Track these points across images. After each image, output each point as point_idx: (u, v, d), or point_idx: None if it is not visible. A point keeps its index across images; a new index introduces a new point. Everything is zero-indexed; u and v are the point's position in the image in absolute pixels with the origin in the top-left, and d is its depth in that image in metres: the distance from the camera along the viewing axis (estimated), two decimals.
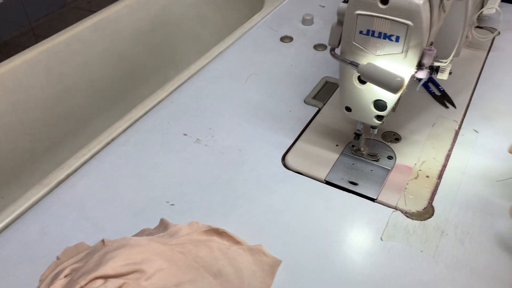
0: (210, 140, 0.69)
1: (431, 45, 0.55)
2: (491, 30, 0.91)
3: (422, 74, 0.52)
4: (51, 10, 2.05)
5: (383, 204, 0.59)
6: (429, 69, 0.54)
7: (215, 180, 0.63)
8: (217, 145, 0.68)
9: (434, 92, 0.76)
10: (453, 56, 0.51)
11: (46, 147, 0.99)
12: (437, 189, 0.60)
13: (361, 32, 0.52)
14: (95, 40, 1.08)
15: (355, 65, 0.53)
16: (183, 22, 1.28)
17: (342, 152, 0.67)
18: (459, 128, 0.69)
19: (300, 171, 0.64)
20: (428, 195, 0.60)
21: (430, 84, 0.78)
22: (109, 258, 0.43)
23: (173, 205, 0.60)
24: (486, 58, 0.85)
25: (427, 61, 0.51)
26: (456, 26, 0.82)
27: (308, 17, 0.97)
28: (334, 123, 0.71)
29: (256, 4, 1.14)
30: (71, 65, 1.03)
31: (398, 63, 0.51)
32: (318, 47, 0.90)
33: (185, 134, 0.70)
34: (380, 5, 0.49)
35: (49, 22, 2.00)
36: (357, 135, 0.64)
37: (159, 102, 0.78)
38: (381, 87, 0.51)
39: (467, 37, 0.85)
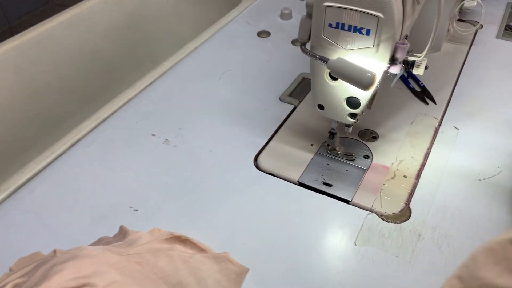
0: (179, 141, 0.66)
1: (406, 38, 0.52)
2: (474, 23, 0.88)
3: (396, 69, 0.49)
4: (33, 7, 2.00)
5: (358, 206, 0.56)
6: (404, 64, 0.51)
7: (183, 183, 0.60)
8: (186, 146, 0.65)
9: (414, 88, 0.73)
10: (428, 50, 0.49)
11: (15, 149, 0.95)
12: (414, 190, 0.57)
13: (330, 25, 0.49)
14: (68, 37, 1.03)
15: (324, 60, 0.50)
16: (160, 18, 1.24)
17: (317, 152, 0.64)
18: (439, 125, 0.67)
19: (272, 173, 0.61)
20: (405, 196, 0.57)
21: (410, 80, 0.75)
22: (55, 272, 0.39)
23: (137, 210, 0.56)
24: (468, 52, 0.82)
25: (400, 56, 0.48)
26: (440, 20, 0.79)
27: (286, 11, 0.93)
28: (310, 121, 0.68)
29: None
30: (42, 64, 0.99)
31: (370, 57, 0.49)
32: (296, 42, 0.87)
33: (153, 135, 0.67)
34: None
35: (31, 20, 1.94)
36: (332, 134, 0.61)
37: (129, 101, 0.75)
38: (352, 84, 0.48)
39: (448, 30, 0.83)
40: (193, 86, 0.77)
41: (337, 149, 0.62)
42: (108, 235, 0.52)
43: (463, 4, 0.80)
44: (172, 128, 0.68)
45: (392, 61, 0.49)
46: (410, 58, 0.50)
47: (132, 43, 1.19)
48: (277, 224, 0.54)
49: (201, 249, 0.50)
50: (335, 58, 0.49)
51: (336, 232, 0.53)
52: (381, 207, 0.55)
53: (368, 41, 0.47)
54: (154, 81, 0.79)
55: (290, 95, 0.74)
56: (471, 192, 0.57)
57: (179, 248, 0.49)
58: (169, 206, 0.57)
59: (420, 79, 0.74)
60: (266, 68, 0.81)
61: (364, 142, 0.65)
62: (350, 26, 0.47)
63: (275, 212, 0.56)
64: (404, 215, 0.55)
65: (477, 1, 0.79)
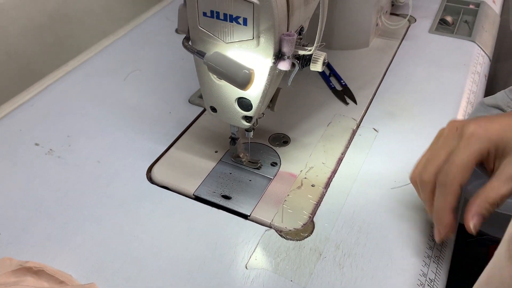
0: (65, 150, 0.58)
1: (301, 30, 0.46)
2: (406, 17, 0.83)
3: (285, 65, 0.43)
4: None
5: (256, 222, 0.49)
6: (299, 60, 0.44)
7: (59, 198, 0.52)
8: (72, 156, 0.57)
9: (335, 87, 0.67)
10: (318, 44, 0.42)
11: None
12: (321, 201, 0.51)
13: (204, 14, 0.42)
14: None
15: (201, 55, 0.43)
16: (87, 16, 1.15)
17: (220, 160, 0.57)
18: (358, 127, 0.61)
19: (166, 185, 0.54)
20: (310, 208, 0.50)
21: (332, 78, 0.69)
22: None
23: None
24: (398, 47, 0.77)
25: (287, 49, 0.42)
26: (364, 13, 0.74)
27: None
28: (218, 125, 0.61)
29: None
30: None
31: (252, 52, 0.42)
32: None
33: (36, 144, 0.59)
34: None
35: None
36: (233, 140, 0.54)
37: (19, 106, 0.66)
38: (229, 82, 0.41)
39: (377, 24, 0.77)
40: (94, 88, 0.69)
41: (241, 156, 0.56)
42: None
43: None
44: (59, 136, 0.60)
45: (280, 56, 0.42)
46: (301, 52, 0.43)
47: (55, 43, 1.10)
48: (161, 246, 0.47)
49: (60, 281, 0.42)
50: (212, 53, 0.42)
51: (227, 253, 0.46)
52: (282, 221, 0.49)
53: (247, 32, 0.41)
54: (53, 82, 0.70)
55: (201, 96, 0.67)
56: (382, 203, 0.51)
57: (31, 281, 0.41)
58: (38, 227, 0.49)
59: (342, 78, 0.68)
60: (179, 67, 0.73)
61: (273, 147, 0.58)
62: (225, 15, 0.41)
63: (161, 232, 0.48)
64: (306, 230, 0.48)
65: None
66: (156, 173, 0.55)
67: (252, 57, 0.42)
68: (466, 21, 0.84)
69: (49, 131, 0.61)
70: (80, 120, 0.63)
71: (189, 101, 0.66)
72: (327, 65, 0.70)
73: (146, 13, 0.90)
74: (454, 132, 0.42)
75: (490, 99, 0.53)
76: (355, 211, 0.50)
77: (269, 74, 0.44)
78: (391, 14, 0.85)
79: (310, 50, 0.43)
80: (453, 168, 0.40)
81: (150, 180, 0.54)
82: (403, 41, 0.78)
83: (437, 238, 0.44)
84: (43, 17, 1.07)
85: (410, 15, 0.83)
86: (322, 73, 0.69)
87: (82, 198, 0.52)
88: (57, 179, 0.54)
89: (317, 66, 0.45)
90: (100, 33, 1.19)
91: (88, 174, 0.55)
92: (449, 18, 0.83)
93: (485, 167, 0.41)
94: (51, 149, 0.58)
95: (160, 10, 0.89)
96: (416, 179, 0.44)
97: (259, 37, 0.41)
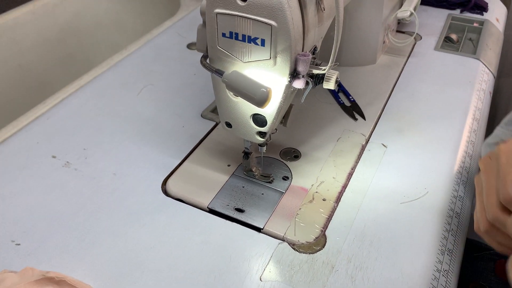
0: (82, 163, 0.59)
1: (315, 50, 0.48)
2: (412, 34, 0.85)
3: (300, 84, 0.44)
4: None
5: (269, 235, 0.50)
6: (312, 78, 0.46)
7: (76, 211, 0.53)
8: (89, 169, 0.59)
9: (343, 103, 0.69)
10: (332, 63, 0.44)
11: None
12: (333, 215, 0.52)
13: (224, 35, 0.43)
14: None
15: (220, 73, 0.44)
16: (98, 29, 1.18)
17: (233, 173, 0.58)
18: (367, 142, 0.62)
19: (181, 198, 0.55)
20: (322, 222, 0.52)
21: (340, 94, 0.70)
22: None
23: (19, 244, 0.50)
24: (404, 64, 0.79)
25: (302, 69, 0.43)
26: (372, 31, 0.76)
27: None
28: (230, 139, 0.63)
29: (174, 9, 1.06)
30: None
31: (268, 71, 0.44)
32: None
33: (53, 156, 0.60)
34: (239, 2, 0.41)
35: None
36: (246, 154, 0.56)
37: (36, 118, 0.68)
38: (246, 100, 0.43)
39: (384, 42, 0.79)
40: (108, 102, 0.70)
41: (253, 170, 0.57)
42: None
43: (396, 14, 0.76)
44: (76, 149, 0.61)
45: (295, 74, 0.44)
46: (315, 72, 0.45)
47: (66, 57, 1.12)
48: (176, 258, 0.48)
49: None
50: (230, 72, 0.44)
51: (242, 265, 0.47)
52: (295, 235, 0.50)
53: (264, 52, 0.42)
54: (68, 96, 0.72)
55: (213, 111, 0.69)
56: (393, 217, 0.52)
57: None
58: (56, 239, 0.50)
59: (350, 94, 0.70)
60: (191, 82, 0.75)
61: (285, 161, 0.60)
62: (244, 36, 0.42)
63: (177, 244, 0.50)
64: (318, 244, 0.49)
65: (411, 12, 0.76)
66: (171, 186, 0.56)
67: (269, 76, 0.44)
68: (470, 39, 0.86)
69: (65, 144, 0.62)
70: (95, 133, 0.64)
71: (201, 115, 0.68)
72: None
73: (157, 28, 0.92)
74: (491, 158, 0.42)
75: (492, 138, 0.54)
76: (366, 225, 0.51)
77: (284, 92, 0.45)
78: (397, 31, 0.87)
79: (324, 70, 0.44)
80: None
81: (165, 192, 0.56)
82: (410, 58, 0.80)
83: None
84: (54, 31, 1.09)
85: (416, 33, 0.85)
86: (330, 89, 0.71)
87: (99, 211, 0.53)
88: (74, 192, 0.56)
89: (330, 84, 0.47)
90: (110, 46, 1.22)
91: (104, 186, 0.56)
92: (454, 36, 0.85)
93: None
94: (68, 162, 0.59)
95: (171, 26, 0.91)
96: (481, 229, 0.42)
97: (276, 57, 0.42)
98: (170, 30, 0.90)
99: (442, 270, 0.47)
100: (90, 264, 0.47)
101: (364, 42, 0.75)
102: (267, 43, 0.42)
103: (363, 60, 0.77)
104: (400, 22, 0.86)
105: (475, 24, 0.88)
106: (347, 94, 0.70)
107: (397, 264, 0.47)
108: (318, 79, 0.47)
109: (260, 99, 0.41)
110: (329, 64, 0.44)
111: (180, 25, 0.91)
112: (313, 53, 0.48)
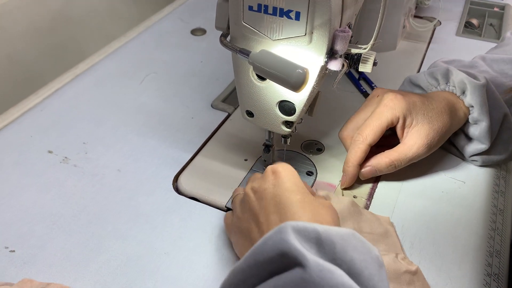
0: (81, 159, 0.53)
1: (349, 28, 0.42)
2: (431, 19, 0.80)
3: (336, 65, 0.39)
4: None
5: None
6: (348, 59, 0.41)
7: (78, 213, 0.47)
8: (89, 165, 0.52)
9: (366, 91, 0.64)
10: (375, 41, 0.38)
11: None
12: None
13: (250, 8, 0.38)
14: None
15: (246, 54, 0.39)
16: (91, 17, 1.11)
17: (251, 169, 0.53)
18: None
19: (195, 197, 0.49)
20: None
21: (361, 82, 0.65)
22: None
23: (13, 251, 0.43)
24: (426, 51, 0.74)
25: (340, 47, 0.38)
26: (392, 15, 0.70)
27: None
28: (245, 131, 0.57)
29: None
30: None
31: (303, 49, 0.38)
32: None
33: (50, 152, 0.54)
34: None
35: None
36: (267, 147, 0.50)
37: (28, 110, 0.61)
38: (278, 83, 0.37)
39: (404, 27, 0.74)
40: (108, 92, 0.64)
41: None
42: None
43: None
44: (74, 143, 0.55)
45: (331, 54, 0.38)
46: (354, 51, 0.39)
47: (58, 46, 1.05)
48: (194, 263, 0.42)
49: None
50: (258, 51, 0.38)
51: None
52: None
53: (299, 27, 0.37)
54: (62, 86, 0.66)
55: (224, 100, 0.63)
56: (432, 215, 0.47)
57: None
58: (55, 244, 0.44)
59: (372, 81, 0.65)
60: (198, 70, 0.69)
61: (307, 155, 0.54)
62: (275, 9, 0.37)
63: (193, 250, 0.44)
64: None
65: None
66: (183, 183, 0.50)
67: (302, 54, 0.38)
68: (491, 24, 0.82)
69: (63, 137, 0.56)
70: (95, 126, 0.58)
71: (211, 105, 0.62)
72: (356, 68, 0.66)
73: (157, 14, 0.85)
74: (375, 98, 0.51)
75: (414, 78, 0.57)
76: (404, 225, 0.46)
77: (318, 75, 0.40)
78: (415, 16, 0.81)
79: (365, 48, 0.39)
80: (366, 129, 0.48)
81: (177, 190, 0.50)
82: (430, 44, 0.75)
83: (341, 186, 0.49)
84: (45, 19, 1.02)
85: (434, 17, 0.80)
86: (351, 77, 0.66)
87: (103, 212, 0.47)
88: (74, 191, 0.49)
89: (367, 67, 0.41)
90: (104, 35, 1.14)
91: (108, 184, 0.50)
92: (474, 21, 0.80)
93: None
94: (66, 157, 0.53)
95: (172, 11, 0.85)
96: (340, 136, 0.52)
97: (312, 33, 0.37)
98: (171, 16, 0.84)
99: (492, 274, 0.42)
100: (95, 273, 0.42)
101: (384, 26, 0.69)
102: (302, 16, 0.36)
103: (383, 46, 0.72)
104: (418, 6, 0.81)
105: (495, 9, 0.83)
106: (369, 82, 0.65)
107: (444, 268, 0.42)
108: (353, 61, 0.41)
109: (297, 82, 0.35)
110: (371, 41, 0.38)
111: (182, 10, 0.85)
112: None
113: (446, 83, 0.52)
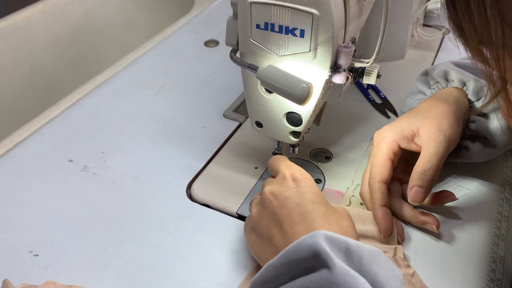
0: (100, 167, 0.56)
1: (353, 42, 0.44)
2: (440, 28, 0.81)
3: (340, 79, 0.41)
4: None
5: None
6: (352, 72, 0.43)
7: (97, 219, 0.50)
8: (108, 173, 0.55)
9: (374, 100, 0.65)
10: (377, 56, 0.40)
11: None
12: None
13: (258, 27, 0.40)
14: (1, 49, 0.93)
15: (253, 69, 0.41)
16: (109, 29, 1.15)
17: (261, 176, 0.55)
18: None
19: (207, 203, 0.52)
20: None
21: (370, 91, 0.67)
22: None
23: (37, 255, 0.46)
24: (434, 59, 0.75)
25: (344, 62, 0.40)
26: (400, 24, 0.72)
27: None
28: (256, 140, 0.59)
29: (187, 6, 1.02)
30: None
31: (308, 64, 0.40)
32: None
33: (70, 160, 0.57)
34: None
35: None
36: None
37: (49, 121, 0.65)
38: (284, 97, 0.39)
39: (412, 36, 0.75)
40: (125, 102, 0.67)
41: None
42: None
43: (426, 7, 0.72)
44: (93, 152, 0.58)
45: (335, 68, 0.40)
46: (357, 65, 0.41)
47: (78, 57, 1.09)
48: (207, 267, 0.45)
49: None
50: (265, 66, 0.40)
51: None
52: None
53: (303, 44, 0.39)
54: (82, 97, 0.69)
55: (236, 110, 0.66)
56: (442, 219, 0.48)
57: None
58: (76, 249, 0.47)
59: (381, 90, 0.66)
60: (211, 81, 0.72)
61: (316, 163, 0.56)
62: (281, 27, 0.39)
63: (205, 255, 0.46)
64: None
65: (441, 3, 0.72)
66: (196, 190, 0.53)
67: (307, 70, 0.40)
68: None
69: (82, 147, 0.59)
70: (113, 135, 0.61)
71: (223, 115, 0.64)
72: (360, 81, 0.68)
73: (172, 26, 0.88)
74: (372, 146, 0.50)
75: (404, 107, 0.58)
76: (409, 231, 0.47)
77: (323, 88, 0.42)
78: (424, 25, 0.83)
79: (367, 62, 0.41)
80: (373, 171, 0.47)
81: (190, 197, 0.52)
82: (439, 53, 0.76)
83: (383, 237, 0.45)
84: (65, 31, 1.06)
85: (442, 26, 0.81)
86: (360, 86, 0.67)
87: (121, 218, 0.50)
88: (93, 198, 0.52)
89: (370, 79, 0.43)
90: (121, 46, 1.18)
91: (125, 191, 0.53)
92: None
93: None
94: (85, 166, 0.56)
95: (186, 23, 0.88)
96: (360, 195, 0.50)
97: (316, 49, 0.39)
98: (186, 28, 0.86)
99: (495, 279, 0.44)
100: (114, 275, 0.44)
101: (392, 35, 0.71)
102: (307, 33, 0.38)
103: (391, 55, 0.74)
104: (426, 15, 0.82)
105: None
106: (377, 91, 0.66)
107: (447, 274, 0.43)
108: (358, 74, 0.43)
109: (301, 96, 0.37)
110: (373, 56, 0.40)
111: (196, 22, 0.88)
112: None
113: (436, 83, 0.55)
